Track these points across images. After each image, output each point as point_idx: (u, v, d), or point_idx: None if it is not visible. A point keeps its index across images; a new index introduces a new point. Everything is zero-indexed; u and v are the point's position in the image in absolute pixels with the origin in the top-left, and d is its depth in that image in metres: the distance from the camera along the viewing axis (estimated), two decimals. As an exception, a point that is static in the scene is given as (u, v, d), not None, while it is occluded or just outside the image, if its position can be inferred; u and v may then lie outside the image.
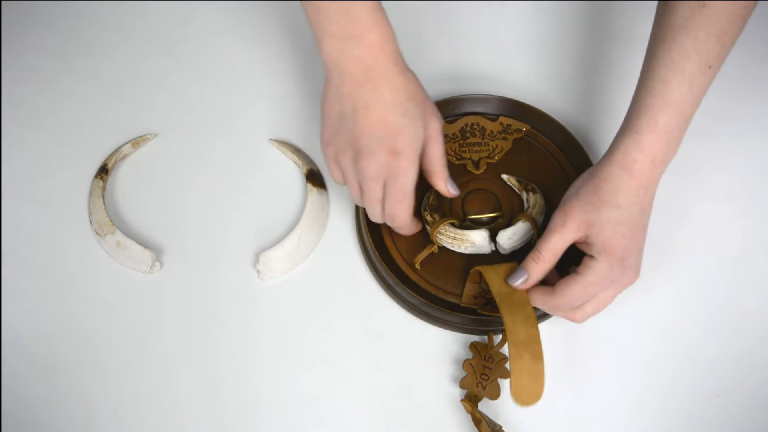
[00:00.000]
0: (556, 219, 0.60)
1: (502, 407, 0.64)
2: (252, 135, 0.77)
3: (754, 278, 0.70)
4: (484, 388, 0.64)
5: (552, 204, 0.70)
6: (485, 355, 0.65)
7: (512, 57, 0.82)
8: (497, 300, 0.60)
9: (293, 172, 0.75)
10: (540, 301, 0.61)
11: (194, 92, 0.79)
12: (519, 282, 0.61)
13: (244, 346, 0.67)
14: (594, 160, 0.73)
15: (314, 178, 0.73)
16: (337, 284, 0.69)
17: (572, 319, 0.61)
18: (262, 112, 0.78)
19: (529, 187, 0.70)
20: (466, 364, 0.64)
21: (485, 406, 0.64)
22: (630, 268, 0.59)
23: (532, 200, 0.69)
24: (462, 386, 0.64)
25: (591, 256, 0.59)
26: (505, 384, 0.64)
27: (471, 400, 0.63)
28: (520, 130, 0.74)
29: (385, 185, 0.60)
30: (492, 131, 0.74)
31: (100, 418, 0.64)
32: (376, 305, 0.68)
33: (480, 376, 0.64)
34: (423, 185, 0.65)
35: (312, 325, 0.68)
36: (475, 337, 0.67)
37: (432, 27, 0.83)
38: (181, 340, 0.67)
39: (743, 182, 0.74)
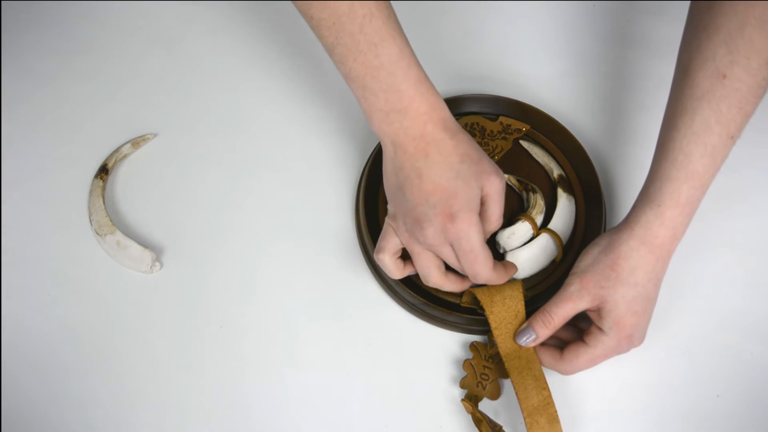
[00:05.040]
0: (572, 287, 0.60)
1: (502, 407, 0.64)
2: (252, 134, 0.77)
3: (754, 278, 0.70)
4: (484, 388, 0.64)
5: (552, 204, 0.70)
6: (485, 355, 0.65)
7: (512, 57, 0.82)
8: (505, 362, 0.61)
9: (294, 171, 0.75)
10: (547, 362, 0.62)
11: (194, 92, 0.79)
12: (528, 341, 0.61)
13: (243, 346, 0.67)
14: (594, 160, 0.73)
15: (563, 183, 0.71)
16: (337, 284, 0.69)
17: (561, 372, 0.62)
18: (263, 111, 0.78)
19: (529, 187, 0.70)
20: (466, 364, 0.64)
21: (485, 405, 0.64)
22: (636, 340, 0.60)
23: (532, 200, 0.69)
24: (462, 386, 0.64)
25: (600, 329, 0.60)
26: (505, 384, 0.64)
27: (471, 400, 0.63)
28: (520, 130, 0.74)
29: (452, 248, 0.59)
30: (492, 131, 0.74)
31: (99, 418, 0.64)
32: (376, 305, 0.68)
33: (480, 376, 0.64)
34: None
35: (312, 324, 0.68)
36: (475, 337, 0.67)
37: (432, 26, 0.83)
38: (181, 340, 0.67)
39: (744, 182, 0.74)
